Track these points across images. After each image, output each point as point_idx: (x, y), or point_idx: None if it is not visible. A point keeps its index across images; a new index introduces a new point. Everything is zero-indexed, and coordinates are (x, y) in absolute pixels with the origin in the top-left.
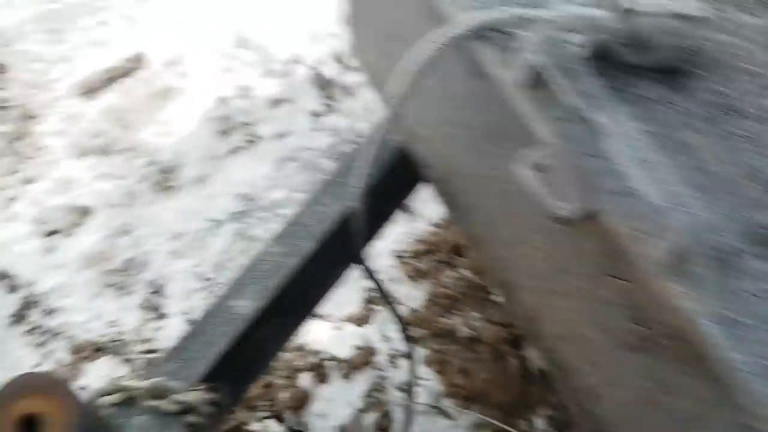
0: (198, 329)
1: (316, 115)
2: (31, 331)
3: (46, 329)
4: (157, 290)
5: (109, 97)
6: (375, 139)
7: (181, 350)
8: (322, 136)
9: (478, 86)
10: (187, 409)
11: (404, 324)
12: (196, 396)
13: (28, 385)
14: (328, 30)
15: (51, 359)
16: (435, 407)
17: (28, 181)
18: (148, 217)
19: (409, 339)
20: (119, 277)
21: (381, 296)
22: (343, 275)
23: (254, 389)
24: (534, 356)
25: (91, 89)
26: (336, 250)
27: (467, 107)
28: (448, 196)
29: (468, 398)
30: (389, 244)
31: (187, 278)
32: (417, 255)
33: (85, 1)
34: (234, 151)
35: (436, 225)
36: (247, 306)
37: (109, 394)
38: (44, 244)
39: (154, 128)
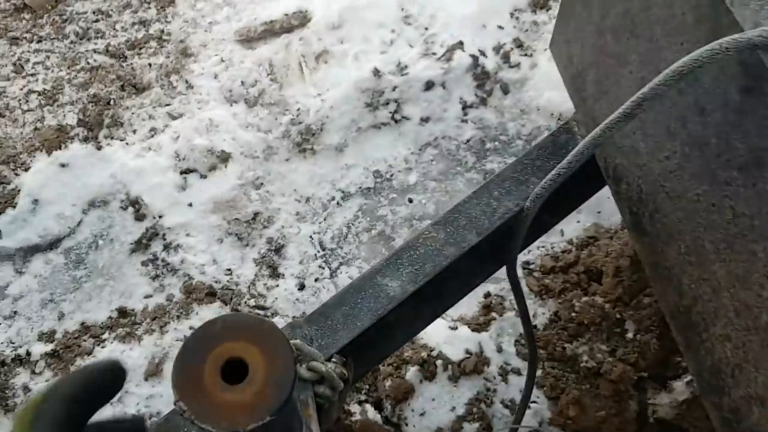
0: (344, 300)
1: (467, 105)
2: (149, 262)
3: (165, 263)
4: (277, 249)
5: (266, 49)
6: (568, 143)
7: (323, 318)
8: (468, 128)
9: (750, 103)
10: (320, 379)
11: (534, 341)
12: (331, 368)
13: (237, 326)
14: (496, 22)
15: (163, 293)
16: None
17: (176, 116)
18: (281, 175)
19: (534, 357)
20: (243, 228)
21: (519, 306)
22: (490, 275)
23: None
24: (659, 405)
25: (249, 38)
26: (494, 248)
27: (720, 125)
28: (641, 216)
29: None
30: (520, 258)
31: (306, 243)
32: (547, 271)
33: None
34: (378, 126)
35: (572, 243)
36: (396, 287)
37: None
38: (179, 180)
39: (304, 88)
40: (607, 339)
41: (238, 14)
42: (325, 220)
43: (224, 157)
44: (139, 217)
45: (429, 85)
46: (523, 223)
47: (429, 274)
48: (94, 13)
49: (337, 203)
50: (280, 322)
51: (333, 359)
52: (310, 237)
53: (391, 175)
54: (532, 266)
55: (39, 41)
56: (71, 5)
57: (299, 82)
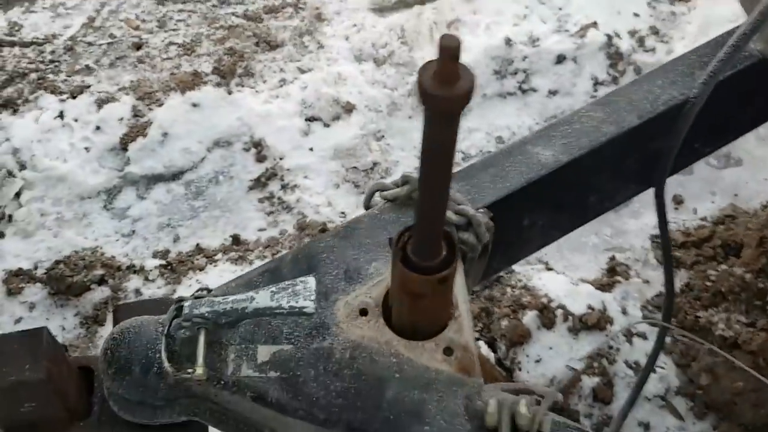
0: (491, 162)
1: (598, 82)
2: (266, 199)
3: (281, 201)
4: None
5: (399, 17)
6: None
7: (468, 177)
8: None
9: None
10: (466, 225)
11: (671, 298)
12: (478, 215)
13: None
14: (632, 9)
15: (276, 228)
16: (664, 400)
17: (305, 70)
18: (403, 130)
19: (668, 316)
20: (360, 176)
21: (662, 242)
22: (632, 194)
23: (473, 307)
24: None
25: (382, 8)
26: (652, 140)
27: None
28: None
29: (708, 405)
30: (647, 226)
31: None
32: (678, 245)
33: None
34: (504, 95)
35: (706, 220)
36: (549, 155)
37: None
38: (303, 126)
39: (434, 52)
40: (747, 311)
41: None
42: None
43: (349, 108)
44: (260, 158)
45: (560, 59)
46: (688, 115)
47: (584, 148)
48: None
49: (456, 162)
50: None
51: (480, 210)
52: None
53: None
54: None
55: (183, 2)
56: None
57: (428, 46)
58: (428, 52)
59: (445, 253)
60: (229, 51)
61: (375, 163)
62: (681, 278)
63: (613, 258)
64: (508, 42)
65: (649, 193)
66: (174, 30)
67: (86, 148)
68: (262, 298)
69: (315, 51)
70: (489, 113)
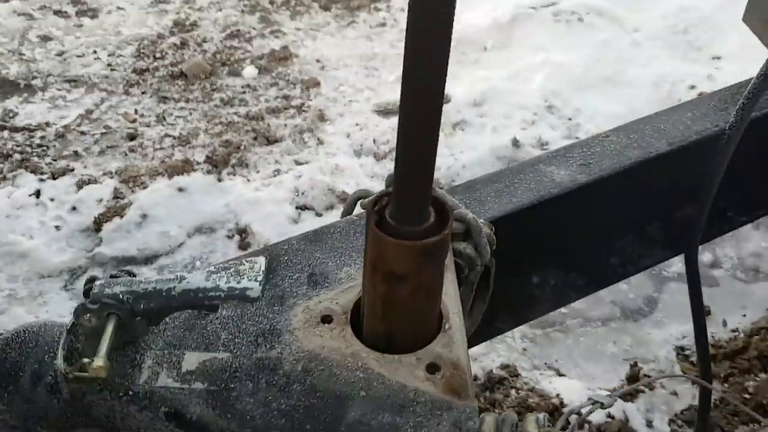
0: (496, 178)
1: None
2: None
3: None
4: None
5: None
6: None
7: (470, 191)
8: None
9: None
10: (464, 232)
11: (709, 357)
12: (478, 221)
13: None
14: None
15: None
16: None
17: (302, 162)
18: None
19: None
20: None
21: (693, 303)
22: (659, 259)
23: None
24: None
25: (386, 110)
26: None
27: None
28: None
29: None
30: (672, 337)
31: None
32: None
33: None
34: None
35: (738, 331)
36: (564, 175)
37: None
38: (293, 214)
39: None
40: None
41: (379, 96)
42: None
43: (344, 198)
44: (244, 245)
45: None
46: (723, 152)
47: (606, 170)
48: (242, 87)
49: None
50: None
51: (481, 220)
52: None
53: None
54: (687, 352)
55: (186, 102)
56: (223, 79)
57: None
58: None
59: (433, 219)
60: (225, 143)
61: None
62: (714, 393)
63: (635, 365)
64: (516, 143)
65: (673, 302)
66: (172, 124)
67: (56, 227)
68: (195, 278)
69: (314, 146)
70: None
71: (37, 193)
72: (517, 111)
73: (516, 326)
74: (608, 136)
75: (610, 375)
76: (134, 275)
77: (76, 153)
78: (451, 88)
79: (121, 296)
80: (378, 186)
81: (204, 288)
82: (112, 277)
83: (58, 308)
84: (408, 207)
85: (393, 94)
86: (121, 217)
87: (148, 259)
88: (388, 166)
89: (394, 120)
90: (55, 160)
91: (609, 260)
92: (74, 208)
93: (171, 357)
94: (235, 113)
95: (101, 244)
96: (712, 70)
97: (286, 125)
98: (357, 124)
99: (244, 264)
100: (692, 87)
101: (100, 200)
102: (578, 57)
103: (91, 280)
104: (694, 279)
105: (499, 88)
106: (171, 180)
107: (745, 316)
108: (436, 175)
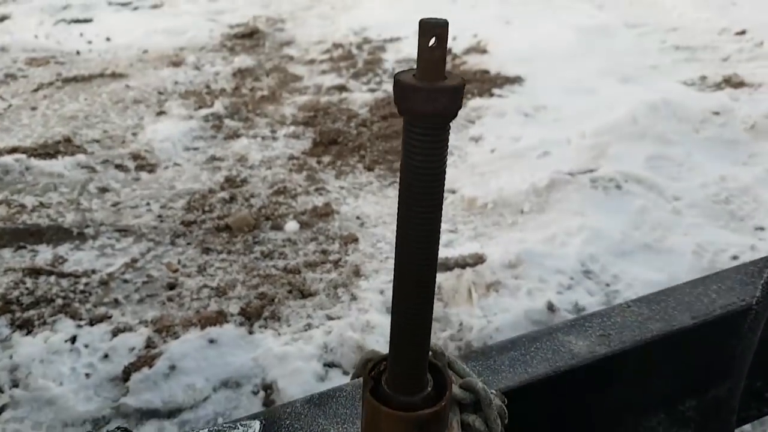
0: (513, 345)
1: None
2: None
3: None
4: None
5: (438, 277)
6: None
7: (483, 357)
8: None
9: None
10: (473, 403)
11: None
12: (489, 392)
13: None
14: None
15: None
16: None
17: (333, 317)
18: None
19: None
20: None
21: None
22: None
23: None
24: None
25: None
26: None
27: None
28: None
29: None
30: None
31: None
32: None
33: None
34: None
35: None
36: (582, 346)
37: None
38: (320, 371)
39: (470, 310)
40: None
41: None
42: None
43: None
44: (268, 402)
45: None
46: (752, 328)
47: (626, 343)
48: (283, 241)
49: None
50: None
51: (492, 391)
52: None
53: None
54: None
55: (228, 253)
56: (266, 233)
57: (465, 304)
58: (464, 309)
59: (430, 389)
60: (260, 296)
61: None
62: None
63: None
64: (551, 307)
65: None
66: (211, 275)
67: (87, 374)
68: None
69: (347, 302)
70: None
71: (73, 339)
72: (553, 275)
73: None
74: (630, 306)
75: None
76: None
77: (116, 300)
78: (487, 248)
79: None
80: None
81: None
82: None
83: None
84: (402, 376)
85: None
86: (150, 367)
87: (172, 413)
88: None
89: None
90: (95, 306)
91: None
92: (106, 356)
93: None
94: (274, 266)
95: (127, 394)
96: (756, 240)
97: (321, 279)
98: (391, 282)
99: (238, 428)
100: (735, 257)
101: (132, 349)
102: (616, 223)
103: None
104: None
105: (535, 251)
106: (203, 331)
107: None
108: (468, 336)
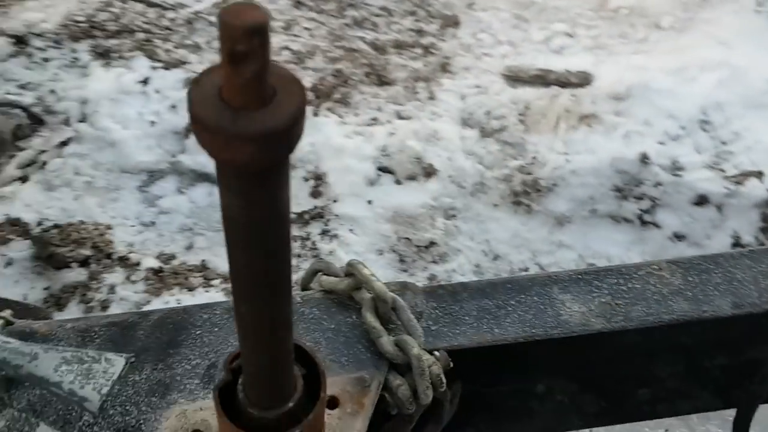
0: (491, 292)
1: (739, 243)
2: (299, 239)
3: (314, 247)
4: None
5: (529, 92)
6: None
7: (450, 299)
8: None
9: None
10: (403, 368)
11: None
12: (427, 359)
13: None
14: None
15: (295, 274)
16: None
17: (403, 117)
18: (480, 218)
19: None
20: (411, 251)
21: None
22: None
23: None
24: None
25: (517, 77)
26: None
27: None
28: None
29: None
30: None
31: None
32: None
33: (556, 5)
34: (618, 218)
35: None
36: (576, 313)
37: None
38: (372, 174)
39: (551, 142)
40: None
41: (517, 56)
42: None
43: (430, 172)
44: (316, 193)
45: (702, 200)
46: None
47: (633, 321)
48: (379, 8)
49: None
50: None
51: (435, 353)
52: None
53: None
54: None
55: (318, 12)
56: None
57: (549, 133)
58: (544, 140)
59: (299, 394)
60: (336, 73)
61: (432, 243)
62: None
63: None
64: (644, 159)
65: None
66: (295, 36)
67: (152, 122)
68: (46, 364)
69: (423, 100)
70: (591, 233)
71: (145, 81)
72: (663, 119)
73: None
74: (660, 268)
75: None
76: (12, 323)
77: (196, 45)
78: (599, 67)
79: None
80: (470, 167)
81: (47, 380)
82: None
83: (126, 209)
84: (256, 387)
85: (533, 58)
86: None
87: None
88: (491, 148)
89: (521, 91)
90: (175, 48)
91: (637, 390)
92: (173, 107)
93: (25, 425)
94: (361, 38)
95: (185, 152)
96: None
97: (405, 66)
98: (477, 86)
99: (101, 363)
100: None
101: None
102: (766, 64)
103: None
104: None
105: (653, 84)
106: None
107: None
108: (541, 172)
